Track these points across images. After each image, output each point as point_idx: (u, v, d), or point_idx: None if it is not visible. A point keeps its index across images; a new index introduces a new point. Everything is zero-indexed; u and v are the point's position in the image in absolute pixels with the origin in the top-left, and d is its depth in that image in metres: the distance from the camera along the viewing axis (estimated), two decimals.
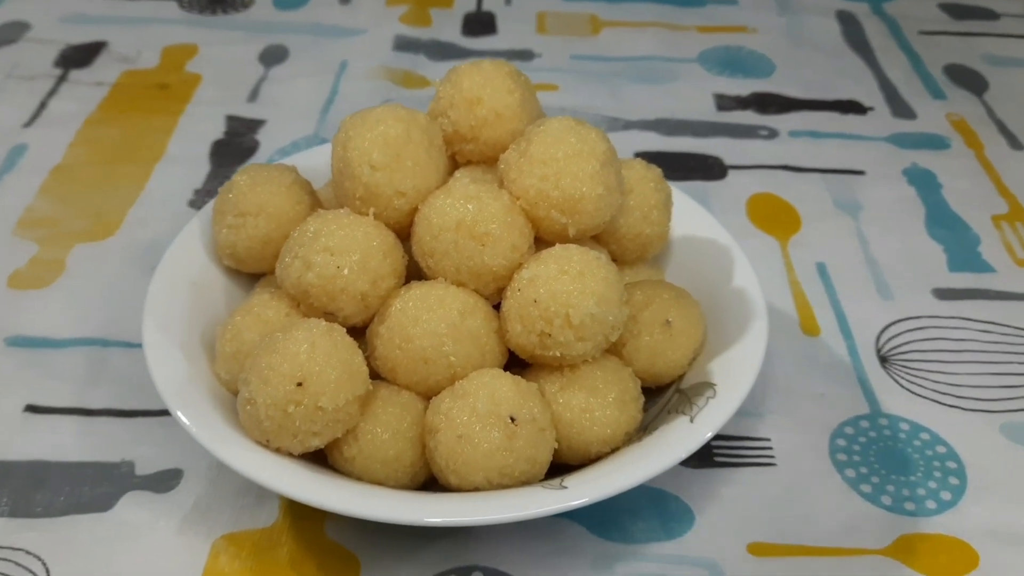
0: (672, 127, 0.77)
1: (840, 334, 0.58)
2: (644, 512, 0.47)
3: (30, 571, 0.44)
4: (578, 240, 0.46)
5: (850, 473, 0.50)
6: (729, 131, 0.76)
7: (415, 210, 0.46)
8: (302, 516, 0.46)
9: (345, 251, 0.43)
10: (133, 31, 0.85)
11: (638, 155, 0.73)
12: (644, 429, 0.46)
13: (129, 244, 0.63)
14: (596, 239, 0.50)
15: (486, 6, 0.93)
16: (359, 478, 0.43)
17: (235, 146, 0.73)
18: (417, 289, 0.44)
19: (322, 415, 0.40)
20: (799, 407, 0.53)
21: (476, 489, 0.41)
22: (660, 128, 0.77)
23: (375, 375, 0.45)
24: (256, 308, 0.46)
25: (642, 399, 0.46)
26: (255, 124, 0.75)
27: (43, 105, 0.76)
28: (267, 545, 0.45)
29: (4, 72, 0.79)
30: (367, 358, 0.44)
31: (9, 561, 0.44)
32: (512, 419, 0.41)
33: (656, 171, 0.51)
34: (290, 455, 0.42)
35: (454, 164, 0.51)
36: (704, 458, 0.50)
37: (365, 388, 0.42)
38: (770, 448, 0.51)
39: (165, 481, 0.48)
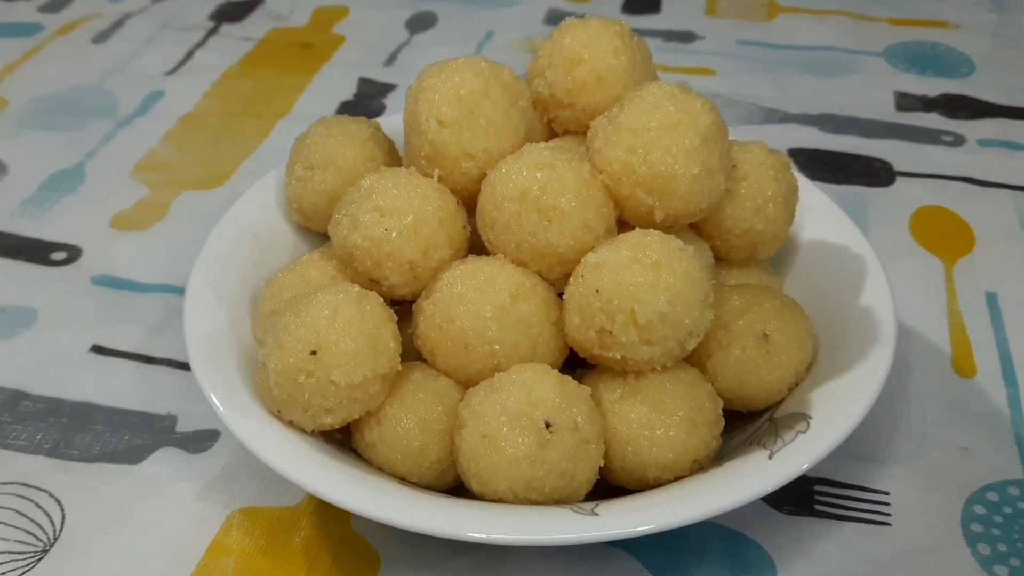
0: (838, 124, 0.67)
1: (1001, 379, 0.48)
2: (714, 555, 0.40)
3: (47, 514, 0.42)
4: (668, 227, 0.39)
5: (984, 549, 0.40)
6: (906, 134, 0.66)
7: (484, 176, 0.40)
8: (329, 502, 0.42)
9: (396, 213, 0.39)
10: None
11: (793, 152, 0.65)
12: (722, 458, 0.38)
13: (234, 195, 0.60)
14: (697, 230, 0.43)
15: None
16: (380, 468, 0.38)
17: (362, 108, 0.70)
18: (469, 264, 0.39)
19: (335, 390, 0.36)
20: (933, 460, 0.44)
21: (500, 500, 0.35)
22: (824, 124, 0.67)
23: (417, 355, 0.40)
24: (301, 266, 0.42)
25: (721, 423, 0.38)
26: (386, 88, 0.72)
27: (189, 55, 0.76)
28: (284, 526, 0.41)
29: (161, 22, 0.80)
30: (410, 335, 0.40)
31: (30, 501, 0.42)
32: (547, 424, 0.35)
33: (780, 158, 0.43)
34: (313, 432, 0.38)
35: (551, 133, 0.46)
36: (801, 503, 0.42)
37: (390, 367, 0.37)
38: (887, 504, 0.42)
39: (200, 441, 0.45)
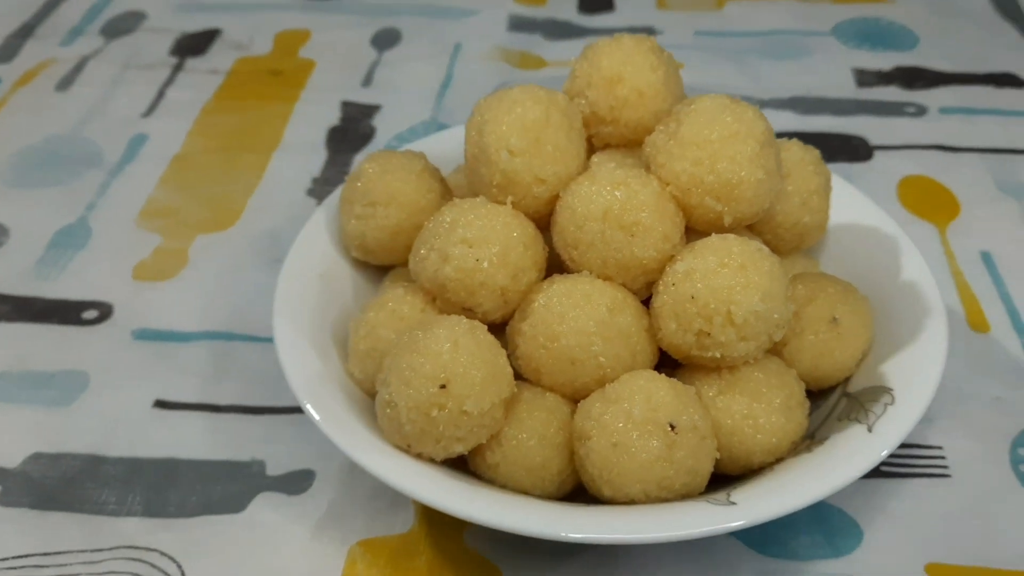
0: (810, 105, 0.72)
1: (1013, 330, 0.53)
2: (805, 526, 0.43)
3: (164, 572, 0.42)
4: (733, 229, 0.42)
5: None
6: (873, 109, 0.71)
7: (555, 198, 0.43)
8: (440, 523, 0.43)
9: (484, 243, 0.41)
10: (246, 17, 0.84)
11: (778, 136, 0.68)
12: (811, 437, 0.42)
13: (250, 234, 0.62)
14: (750, 228, 0.46)
15: None
16: (503, 486, 0.40)
17: (351, 132, 0.71)
18: (562, 284, 0.41)
19: (467, 420, 0.37)
20: (973, 412, 0.48)
21: (632, 502, 0.38)
22: (797, 107, 0.72)
23: (517, 375, 0.42)
24: (391, 303, 0.43)
25: (808, 404, 0.42)
26: (370, 110, 0.73)
27: (161, 94, 0.75)
28: (405, 553, 0.43)
29: (123, 62, 0.79)
30: (508, 357, 0.42)
31: (143, 562, 0.43)
32: (672, 426, 0.37)
33: (814, 153, 0.47)
34: (429, 460, 0.39)
35: (591, 148, 0.48)
36: None
37: (510, 391, 0.39)
38: (943, 457, 0.46)
39: (296, 482, 0.46)
